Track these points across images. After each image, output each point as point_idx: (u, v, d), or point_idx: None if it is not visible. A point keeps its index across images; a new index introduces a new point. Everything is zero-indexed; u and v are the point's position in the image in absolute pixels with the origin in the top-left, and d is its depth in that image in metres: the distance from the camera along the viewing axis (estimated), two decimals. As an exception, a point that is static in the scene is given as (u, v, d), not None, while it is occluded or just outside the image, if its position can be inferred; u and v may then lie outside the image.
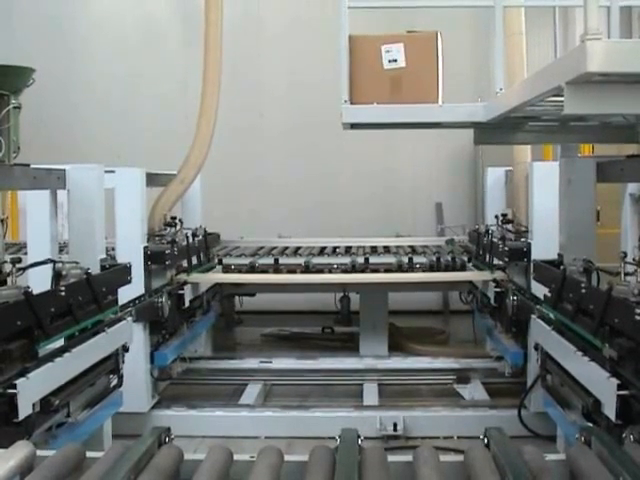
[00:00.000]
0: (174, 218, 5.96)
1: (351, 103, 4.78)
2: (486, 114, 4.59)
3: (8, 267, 3.45)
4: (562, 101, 2.87)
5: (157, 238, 5.72)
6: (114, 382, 4.24)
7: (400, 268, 6.55)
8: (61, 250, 4.67)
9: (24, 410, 3.03)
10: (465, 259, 6.69)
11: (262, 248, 7.51)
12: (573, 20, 9.02)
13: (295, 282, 6.51)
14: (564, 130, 4.80)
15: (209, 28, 5.98)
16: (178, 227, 5.94)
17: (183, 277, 5.75)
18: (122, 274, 4.50)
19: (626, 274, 3.49)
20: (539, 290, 4.55)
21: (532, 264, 4.78)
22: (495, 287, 5.51)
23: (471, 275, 6.29)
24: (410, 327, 7.84)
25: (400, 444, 4.94)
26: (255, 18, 9.79)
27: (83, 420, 3.77)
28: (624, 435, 2.86)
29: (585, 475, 1.97)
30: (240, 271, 6.66)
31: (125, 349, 4.32)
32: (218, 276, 6.46)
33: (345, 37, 4.78)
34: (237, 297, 7.82)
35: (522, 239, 5.61)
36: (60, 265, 3.92)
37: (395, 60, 4.75)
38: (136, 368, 4.89)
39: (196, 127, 6.08)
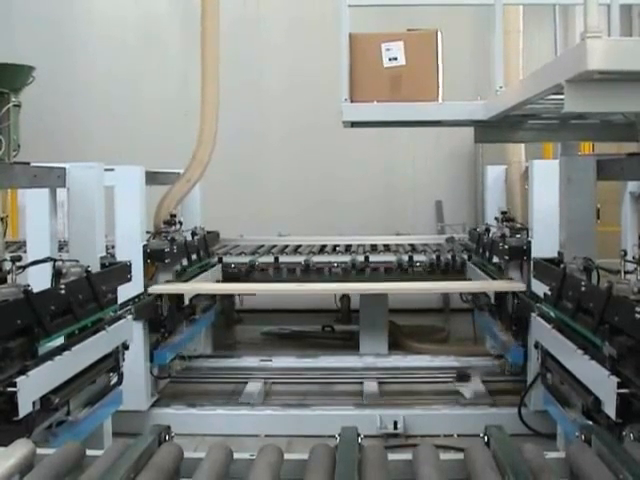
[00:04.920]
0: (173, 216, 5.96)
1: (351, 101, 4.78)
2: (486, 112, 4.59)
3: (8, 265, 3.44)
4: (562, 99, 2.86)
5: (162, 235, 5.74)
6: (114, 380, 4.23)
7: (400, 266, 6.56)
8: (61, 248, 4.67)
9: (24, 408, 3.02)
10: (465, 257, 6.69)
11: (262, 247, 7.52)
12: (573, 18, 9.00)
13: (287, 293, 6.26)
14: (564, 128, 4.80)
15: (206, 24, 5.97)
16: (177, 226, 5.94)
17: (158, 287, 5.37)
18: (122, 272, 4.50)
19: (626, 272, 3.49)
20: (539, 288, 4.55)
21: (532, 262, 4.78)
22: (495, 285, 5.51)
23: (484, 286, 5.79)
24: (410, 325, 7.84)
25: (400, 442, 4.94)
26: (255, 15, 9.77)
27: (83, 418, 3.77)
28: (624, 433, 2.86)
29: (585, 473, 1.97)
30: (240, 270, 6.69)
31: (125, 347, 4.32)
32: (198, 286, 5.93)
33: (345, 35, 4.78)
34: (237, 295, 7.82)
35: (517, 235, 5.61)
36: (60, 263, 3.92)
37: (395, 58, 4.75)
38: (136, 366, 4.88)
39: (199, 125, 6.07)
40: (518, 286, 5.17)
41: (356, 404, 5.49)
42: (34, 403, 3.14)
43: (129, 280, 4.58)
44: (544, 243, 4.94)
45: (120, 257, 4.96)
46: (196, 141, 6.09)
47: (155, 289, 5.30)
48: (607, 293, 3.25)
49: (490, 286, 5.63)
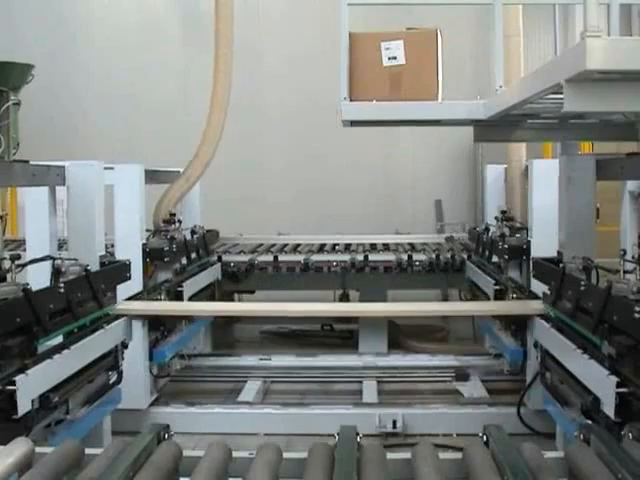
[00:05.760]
0: (173, 215, 5.97)
1: (351, 100, 4.78)
2: (486, 111, 4.59)
3: (7, 264, 3.45)
4: (562, 99, 2.87)
5: (162, 234, 5.74)
6: (113, 379, 4.23)
7: (400, 266, 6.58)
8: (60, 247, 4.67)
9: (23, 407, 3.03)
10: (465, 256, 6.70)
11: (261, 245, 7.52)
12: (573, 18, 9.00)
13: (271, 315, 5.88)
14: (564, 128, 4.80)
15: (219, 27, 5.96)
16: (177, 224, 5.95)
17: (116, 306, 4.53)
18: (121, 271, 4.50)
19: (625, 272, 3.49)
20: (539, 288, 4.55)
21: (532, 262, 4.78)
22: (494, 285, 5.51)
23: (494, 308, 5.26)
24: (409, 324, 7.83)
25: (399, 441, 4.94)
26: (254, 4, 9.74)
27: (82, 417, 3.77)
28: (623, 433, 2.86)
29: (584, 472, 1.97)
30: (239, 269, 6.69)
31: (124, 346, 4.32)
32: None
33: (345, 34, 4.78)
34: (236, 294, 7.81)
35: (517, 235, 5.60)
36: (59, 262, 3.92)
37: (395, 57, 4.75)
38: (135, 365, 4.87)
39: (205, 126, 6.07)
40: (539, 308, 4.43)
41: (355, 403, 5.49)
42: (33, 401, 3.14)
43: (128, 279, 4.58)
44: (544, 242, 4.94)
45: (119, 256, 4.96)
46: (200, 140, 6.09)
47: (117, 309, 4.48)
48: (606, 292, 3.25)
49: (507, 308, 4.99)
